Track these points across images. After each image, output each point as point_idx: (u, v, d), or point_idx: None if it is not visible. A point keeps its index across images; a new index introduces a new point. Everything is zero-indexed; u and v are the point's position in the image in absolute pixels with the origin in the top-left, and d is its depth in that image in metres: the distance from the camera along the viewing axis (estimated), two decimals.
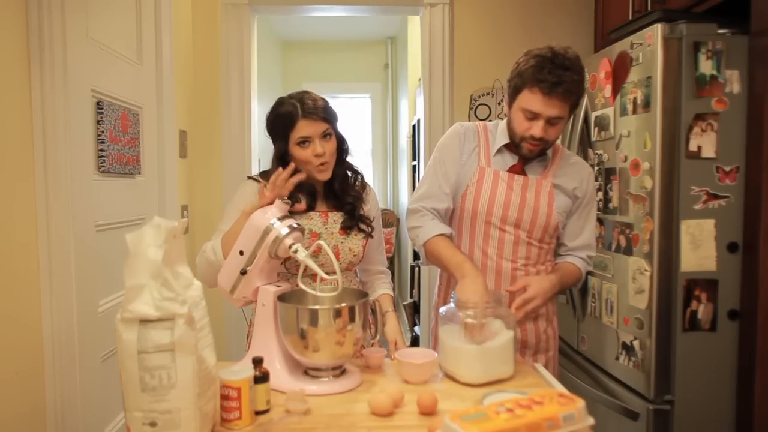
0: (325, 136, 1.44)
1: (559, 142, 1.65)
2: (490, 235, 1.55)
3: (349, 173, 1.57)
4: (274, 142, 1.49)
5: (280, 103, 1.46)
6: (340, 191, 1.52)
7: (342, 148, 1.52)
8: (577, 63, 1.43)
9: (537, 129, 1.44)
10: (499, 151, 1.57)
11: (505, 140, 1.55)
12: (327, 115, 1.44)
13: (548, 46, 1.44)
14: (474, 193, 1.55)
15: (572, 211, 1.59)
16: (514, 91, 1.48)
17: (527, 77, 1.42)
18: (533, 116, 1.44)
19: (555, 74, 1.38)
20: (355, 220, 1.51)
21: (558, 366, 1.70)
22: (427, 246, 1.54)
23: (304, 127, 1.41)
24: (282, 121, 1.43)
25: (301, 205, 1.44)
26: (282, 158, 1.46)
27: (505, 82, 1.53)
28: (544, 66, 1.40)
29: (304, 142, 1.42)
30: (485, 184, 1.55)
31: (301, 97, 1.44)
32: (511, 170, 1.56)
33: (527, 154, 1.52)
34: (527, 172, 1.56)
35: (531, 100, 1.43)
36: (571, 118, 2.24)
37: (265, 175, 1.54)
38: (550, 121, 1.44)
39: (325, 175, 1.47)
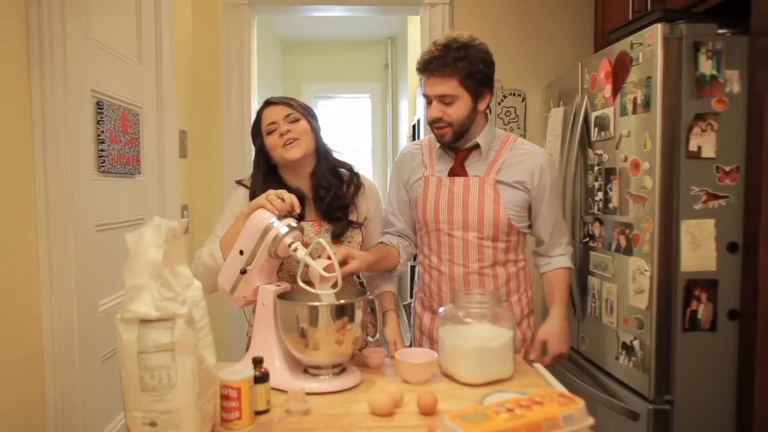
0: (289, 119, 1.46)
1: (515, 133, 1.67)
2: (441, 242, 1.58)
3: (345, 172, 1.57)
4: (255, 144, 1.54)
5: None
6: (325, 198, 1.50)
7: (319, 143, 1.52)
8: (459, 42, 1.47)
9: (433, 110, 1.50)
10: (439, 155, 1.61)
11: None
12: (291, 103, 1.50)
13: None
14: (422, 203, 1.60)
15: (532, 204, 1.57)
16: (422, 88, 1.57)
17: (417, 73, 1.54)
18: (428, 100, 1.52)
19: (427, 54, 1.49)
20: (343, 227, 1.50)
21: None
22: None
23: (267, 115, 1.48)
24: (256, 120, 1.52)
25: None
26: (260, 154, 1.51)
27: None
28: (423, 54, 1.51)
29: (270, 129, 1.46)
30: (429, 192, 1.59)
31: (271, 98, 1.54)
32: (452, 172, 1.58)
33: (440, 140, 1.56)
34: (469, 172, 1.57)
35: (423, 86, 1.53)
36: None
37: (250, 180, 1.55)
38: (442, 101, 1.49)
39: (293, 153, 1.45)
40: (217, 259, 1.37)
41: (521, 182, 1.54)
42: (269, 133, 1.47)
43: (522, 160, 1.55)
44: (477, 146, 1.56)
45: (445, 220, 1.56)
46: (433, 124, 1.52)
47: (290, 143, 1.44)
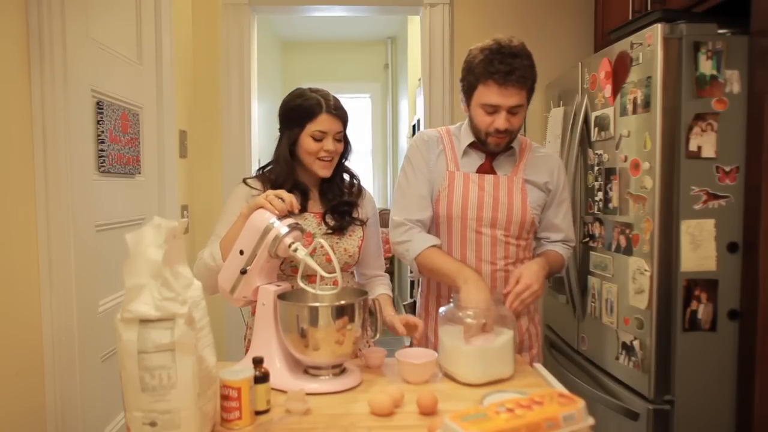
0: (337, 137, 1.48)
1: (525, 136, 1.67)
2: (467, 238, 1.55)
3: (347, 177, 1.60)
4: (287, 129, 1.49)
5: (301, 94, 1.49)
6: (332, 196, 1.53)
7: (345, 150, 1.55)
8: (525, 50, 1.44)
9: (500, 121, 1.44)
10: (465, 152, 1.57)
11: (470, 139, 1.55)
12: (345, 118, 1.51)
13: (493, 39, 1.45)
14: (446, 197, 1.55)
15: (547, 205, 1.61)
16: (470, 89, 1.48)
17: (479, 72, 1.43)
18: (493, 109, 1.44)
19: (506, 63, 1.39)
20: (345, 222, 1.52)
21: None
22: (419, 260, 1.53)
23: (324, 122, 1.45)
24: (304, 110, 1.46)
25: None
26: (292, 146, 1.48)
27: (458, 83, 1.54)
28: (493, 58, 1.41)
29: (317, 136, 1.45)
30: (456, 187, 1.55)
31: (326, 94, 1.49)
32: (480, 170, 1.56)
33: (494, 149, 1.52)
34: (497, 171, 1.56)
35: (487, 93, 1.43)
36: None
37: (261, 172, 1.54)
38: (511, 111, 1.44)
39: (326, 172, 1.49)
40: (217, 260, 1.37)
41: (546, 183, 1.57)
42: (314, 138, 1.45)
43: (542, 162, 1.59)
44: (509, 148, 1.56)
45: (474, 216, 1.53)
46: (493, 133, 1.47)
47: (328, 160, 1.48)
